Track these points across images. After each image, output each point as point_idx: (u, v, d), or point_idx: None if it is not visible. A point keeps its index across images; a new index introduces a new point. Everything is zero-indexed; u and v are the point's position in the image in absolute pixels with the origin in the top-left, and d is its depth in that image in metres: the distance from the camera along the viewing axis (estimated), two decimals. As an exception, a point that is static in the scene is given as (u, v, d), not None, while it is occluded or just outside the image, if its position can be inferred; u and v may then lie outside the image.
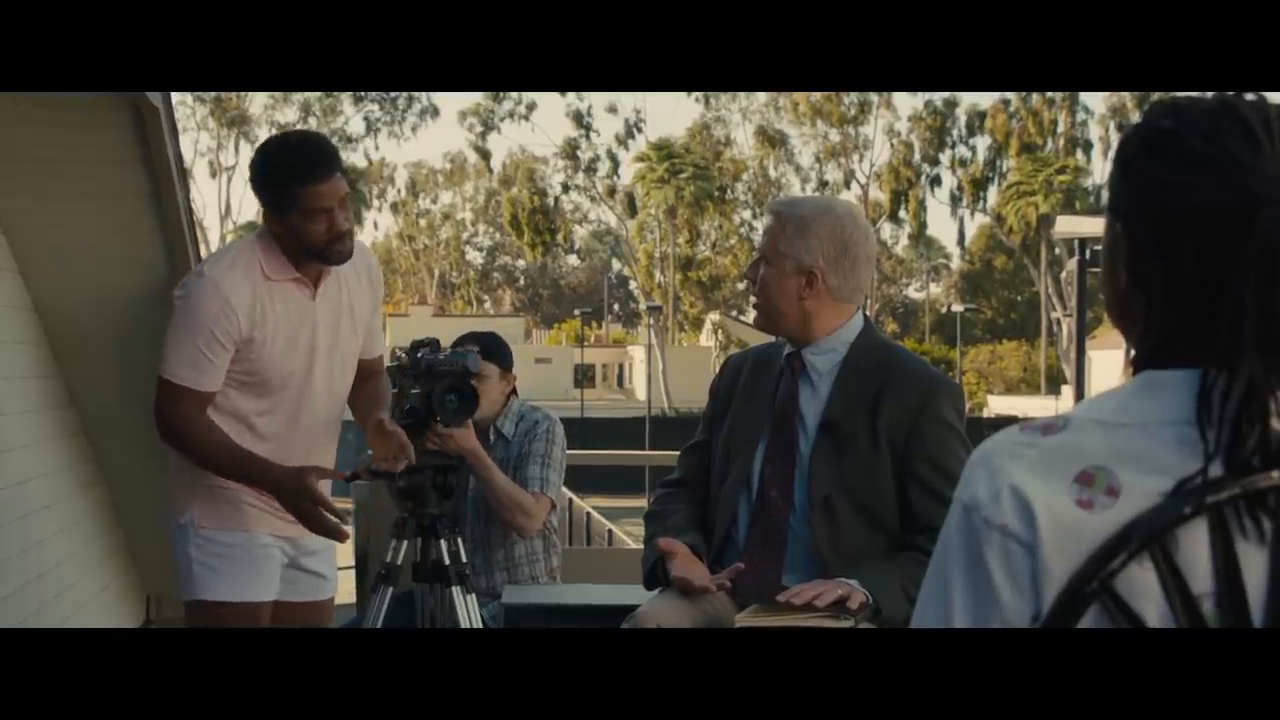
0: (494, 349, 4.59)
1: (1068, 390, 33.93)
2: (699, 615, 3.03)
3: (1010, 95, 57.77)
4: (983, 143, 59.61)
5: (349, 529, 3.50)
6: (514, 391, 4.67)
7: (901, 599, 2.89)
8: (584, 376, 53.07)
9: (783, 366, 3.24)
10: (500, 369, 4.60)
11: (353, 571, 5.37)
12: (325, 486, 3.60)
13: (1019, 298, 66.72)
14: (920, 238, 64.83)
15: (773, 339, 3.38)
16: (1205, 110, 1.37)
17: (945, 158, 59.79)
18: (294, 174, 3.41)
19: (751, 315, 3.37)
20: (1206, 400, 1.33)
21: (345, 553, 3.98)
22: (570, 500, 10.21)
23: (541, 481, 4.53)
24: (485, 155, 64.01)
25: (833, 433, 3.11)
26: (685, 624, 2.98)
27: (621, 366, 64.55)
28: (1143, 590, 1.30)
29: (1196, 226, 1.35)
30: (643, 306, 54.22)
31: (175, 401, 3.42)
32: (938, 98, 58.54)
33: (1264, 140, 1.34)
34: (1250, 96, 1.38)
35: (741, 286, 61.41)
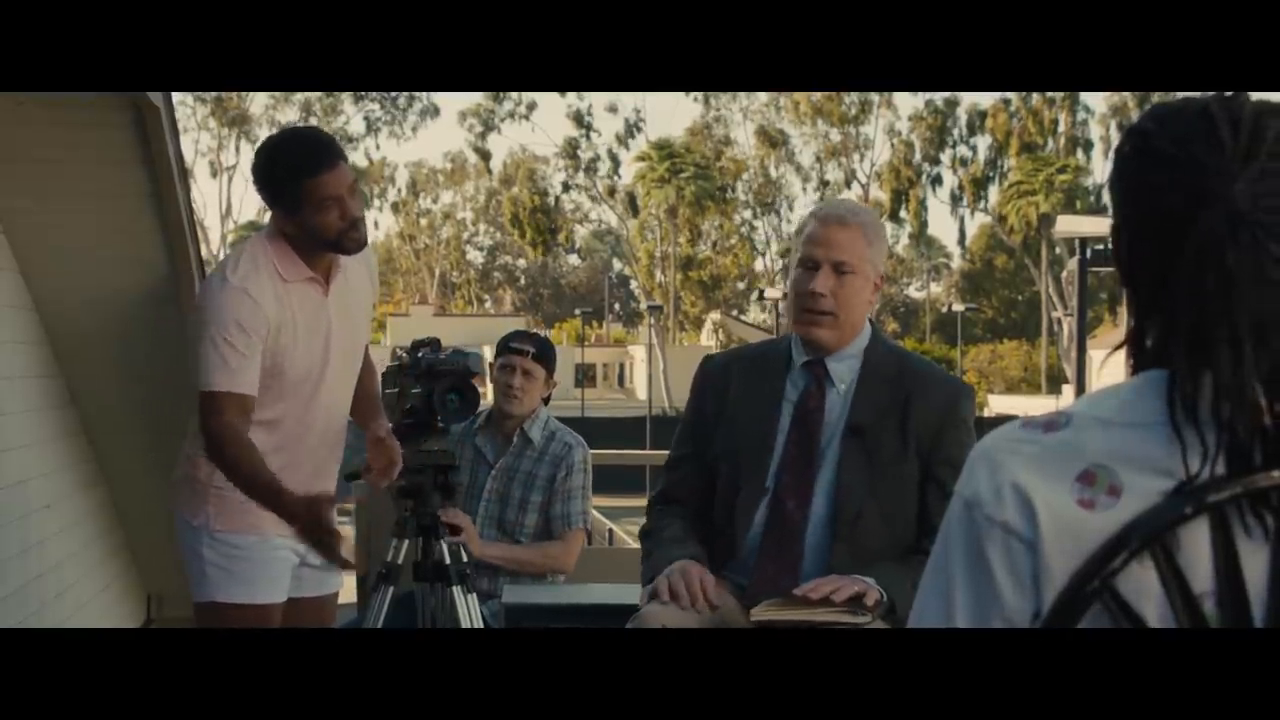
0: (547, 352, 4.62)
1: (1068, 389, 33.92)
2: (705, 616, 3.00)
3: (1011, 95, 57.83)
4: (983, 142, 59.69)
5: (351, 561, 3.48)
6: (547, 398, 4.67)
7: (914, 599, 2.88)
8: (584, 376, 53.03)
9: (796, 373, 3.17)
10: (547, 372, 4.61)
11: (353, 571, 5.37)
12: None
13: (1020, 297, 66.71)
14: (921, 237, 64.86)
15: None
16: (1182, 112, 1.38)
17: (946, 157, 59.85)
18: (300, 169, 3.38)
19: (816, 330, 3.12)
20: (1172, 401, 1.33)
21: (345, 552, 3.98)
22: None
23: (583, 516, 4.59)
24: (485, 156, 64.04)
25: (861, 440, 3.07)
26: (691, 625, 2.95)
27: (622, 366, 64.54)
28: (1144, 590, 1.30)
29: (1160, 226, 1.36)
30: (643, 306, 54.19)
31: (219, 411, 3.35)
32: (938, 97, 58.59)
33: (1228, 140, 1.34)
34: (1228, 95, 1.38)
35: (742, 286, 61.50)
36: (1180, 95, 1.43)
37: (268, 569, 3.51)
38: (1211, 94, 1.39)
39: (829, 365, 3.14)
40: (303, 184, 3.37)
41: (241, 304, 3.35)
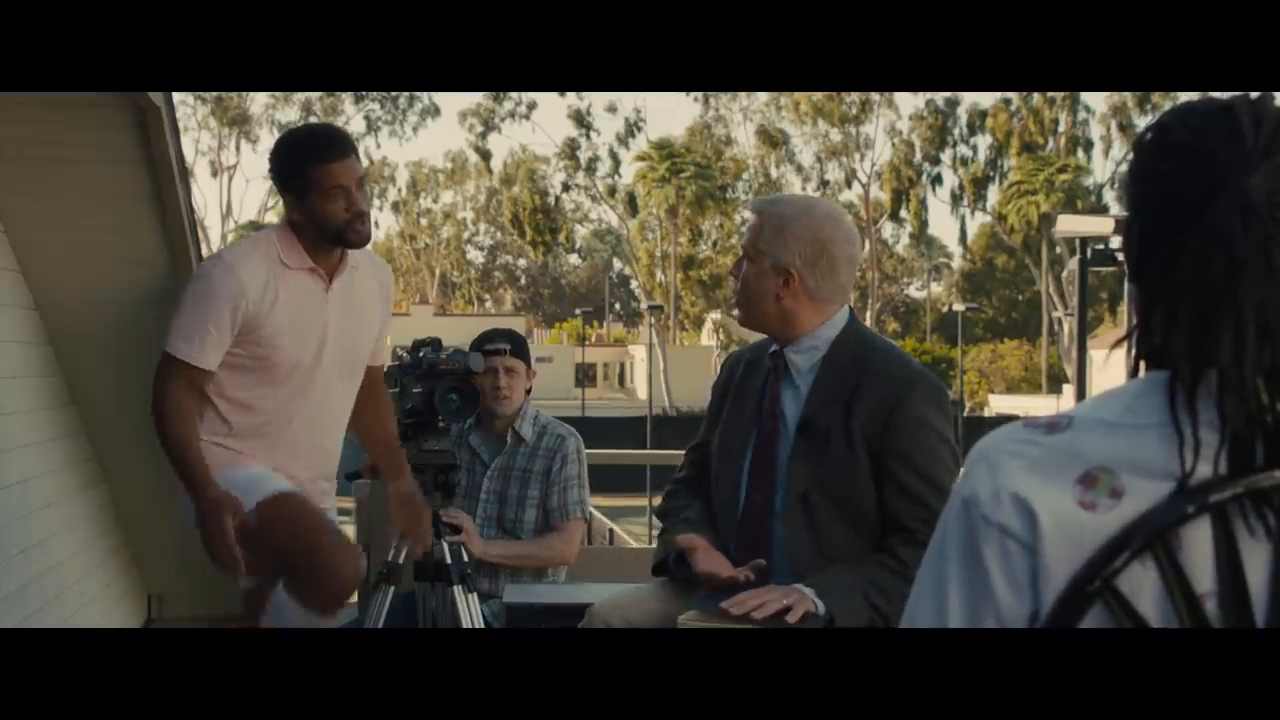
0: (521, 345, 4.64)
1: (1069, 389, 33.92)
2: (654, 612, 3.06)
3: (1011, 95, 57.80)
4: (984, 142, 59.63)
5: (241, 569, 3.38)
6: (528, 389, 4.69)
7: (862, 606, 2.89)
8: (585, 376, 53.08)
9: (768, 367, 3.23)
10: (525, 365, 4.63)
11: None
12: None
13: (1020, 297, 66.69)
14: (921, 237, 64.81)
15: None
16: (1205, 107, 1.38)
17: (946, 157, 59.78)
18: (310, 155, 3.51)
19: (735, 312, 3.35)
20: (1173, 395, 1.33)
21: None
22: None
23: (581, 505, 4.60)
24: (485, 156, 64.00)
25: (809, 433, 3.08)
26: (637, 621, 3.05)
27: (623, 366, 64.54)
28: (1145, 589, 1.30)
29: (1172, 214, 1.35)
30: (644, 306, 54.14)
31: (171, 376, 3.48)
32: (939, 97, 58.55)
33: (1248, 134, 1.34)
34: (1255, 95, 1.38)
35: (742, 286, 61.30)
36: (1180, 96, 1.43)
37: (254, 480, 3.49)
38: (1238, 94, 1.38)
39: (787, 356, 3.18)
40: (311, 169, 3.49)
41: (227, 281, 3.46)
